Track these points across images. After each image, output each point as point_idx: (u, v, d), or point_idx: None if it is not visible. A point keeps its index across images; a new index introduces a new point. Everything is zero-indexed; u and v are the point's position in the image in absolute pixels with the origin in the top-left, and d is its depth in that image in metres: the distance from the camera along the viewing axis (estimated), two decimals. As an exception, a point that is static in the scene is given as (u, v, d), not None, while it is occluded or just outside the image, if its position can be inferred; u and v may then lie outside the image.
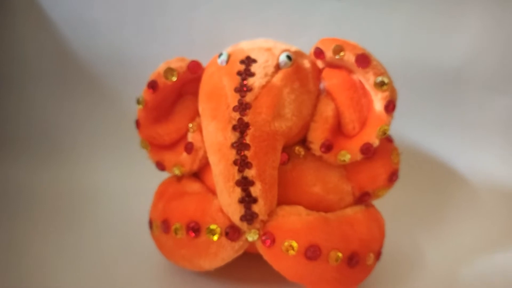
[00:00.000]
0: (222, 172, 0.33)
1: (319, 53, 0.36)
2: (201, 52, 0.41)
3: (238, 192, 0.33)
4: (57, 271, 0.40)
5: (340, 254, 0.34)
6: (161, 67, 0.37)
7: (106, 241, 0.45)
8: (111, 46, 0.54)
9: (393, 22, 0.52)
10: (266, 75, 0.34)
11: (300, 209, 0.35)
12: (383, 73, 0.34)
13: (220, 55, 0.36)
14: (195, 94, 0.38)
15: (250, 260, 0.37)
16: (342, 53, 0.35)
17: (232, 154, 0.33)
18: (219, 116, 0.34)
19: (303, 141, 0.37)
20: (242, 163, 0.32)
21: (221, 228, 0.34)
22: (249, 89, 0.33)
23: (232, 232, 0.34)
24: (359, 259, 0.35)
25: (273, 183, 0.33)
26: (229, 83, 0.34)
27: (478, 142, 0.55)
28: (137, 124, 0.39)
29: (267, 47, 0.36)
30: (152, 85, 0.37)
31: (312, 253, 0.33)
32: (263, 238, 0.34)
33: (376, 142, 0.35)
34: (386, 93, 0.34)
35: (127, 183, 0.55)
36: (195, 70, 0.38)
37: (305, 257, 0.33)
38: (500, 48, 0.52)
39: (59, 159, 0.58)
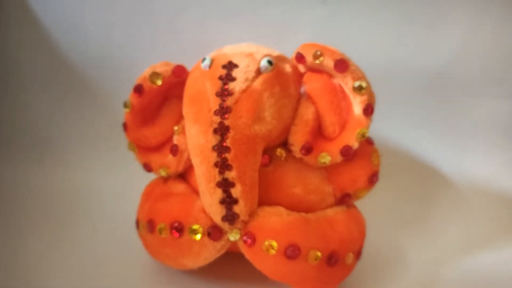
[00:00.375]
0: (203, 173, 0.34)
1: (300, 58, 0.37)
2: (189, 56, 0.42)
3: (219, 193, 0.34)
4: (49, 270, 0.41)
5: (319, 254, 0.34)
6: (147, 71, 0.38)
7: (97, 240, 0.46)
8: (101, 50, 0.55)
9: (378, 26, 0.53)
10: (246, 79, 0.35)
11: (281, 209, 0.36)
12: (361, 77, 0.35)
13: (203, 60, 0.37)
14: (180, 97, 0.39)
15: (233, 259, 0.38)
16: (321, 58, 0.35)
17: (213, 157, 0.33)
18: (201, 119, 0.34)
19: (285, 144, 0.37)
20: (222, 165, 0.33)
21: (203, 228, 0.35)
22: (230, 94, 0.34)
23: (214, 232, 0.35)
24: (338, 258, 0.36)
25: (254, 185, 0.34)
26: (211, 87, 0.35)
27: (462, 143, 0.56)
28: (124, 127, 0.40)
29: (249, 52, 0.37)
30: (138, 89, 0.38)
31: (291, 252, 0.34)
32: (244, 238, 0.34)
33: (355, 145, 0.36)
34: (365, 97, 0.35)
35: (117, 183, 0.55)
36: (179, 74, 0.38)
37: (285, 256, 0.34)
38: (483, 52, 0.53)
39: (51, 160, 0.59)
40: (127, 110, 0.39)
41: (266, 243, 0.34)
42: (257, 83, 0.35)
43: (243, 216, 0.34)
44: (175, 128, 0.39)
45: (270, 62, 0.36)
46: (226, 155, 0.33)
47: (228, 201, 0.34)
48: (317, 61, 0.36)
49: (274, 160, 0.37)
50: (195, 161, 0.35)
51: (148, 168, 0.41)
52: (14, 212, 0.50)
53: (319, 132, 0.37)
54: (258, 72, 0.36)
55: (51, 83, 0.58)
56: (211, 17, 0.53)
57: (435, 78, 0.54)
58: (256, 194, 0.35)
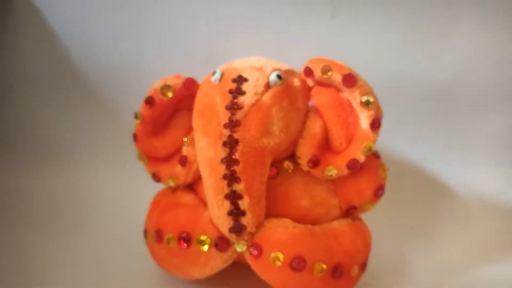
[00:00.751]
0: (212, 185, 0.35)
1: (308, 72, 0.38)
2: (198, 68, 0.42)
3: (227, 205, 0.34)
4: (56, 276, 0.41)
5: (324, 266, 0.35)
6: (158, 83, 0.39)
7: (103, 247, 0.46)
8: (110, 60, 0.56)
9: (384, 40, 0.53)
10: (256, 93, 0.36)
11: (287, 221, 0.36)
12: (369, 92, 0.36)
13: (213, 73, 0.38)
14: (190, 109, 0.39)
15: (240, 269, 0.38)
16: (330, 73, 0.36)
17: (222, 169, 0.34)
18: (211, 132, 0.35)
19: (292, 156, 0.38)
20: (231, 178, 0.34)
21: (211, 239, 0.35)
22: (239, 107, 0.35)
23: (221, 243, 0.35)
24: (344, 270, 0.36)
25: (261, 197, 0.35)
26: (221, 100, 0.36)
27: (466, 156, 0.56)
28: (135, 137, 0.41)
29: (259, 66, 0.38)
30: (149, 101, 0.39)
31: (297, 264, 0.34)
32: (251, 249, 0.35)
33: (362, 158, 0.36)
34: (372, 112, 0.35)
35: (123, 191, 0.56)
36: (190, 87, 0.39)
37: (290, 268, 0.34)
38: (490, 66, 0.53)
39: (58, 168, 0.59)
40: (138, 121, 0.40)
41: (273, 254, 0.35)
42: (266, 97, 0.36)
43: (250, 228, 0.35)
44: (185, 139, 0.40)
45: (279, 77, 0.37)
46: (235, 167, 0.34)
47: (236, 213, 0.34)
48: (325, 76, 0.36)
49: (282, 173, 0.37)
50: (204, 173, 0.36)
51: (157, 178, 0.41)
52: (20, 217, 0.51)
53: (326, 145, 0.38)
54: (268, 86, 0.36)
55: (60, 92, 0.59)
56: (221, 31, 0.54)
57: (442, 92, 0.54)
58: (263, 206, 0.35)
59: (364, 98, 0.35)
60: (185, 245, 0.36)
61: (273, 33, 0.54)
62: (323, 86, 0.38)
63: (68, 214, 0.53)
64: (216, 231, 0.35)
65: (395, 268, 0.45)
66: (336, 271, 0.36)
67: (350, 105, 0.37)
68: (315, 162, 0.37)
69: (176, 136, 0.40)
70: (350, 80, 0.35)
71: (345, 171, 0.37)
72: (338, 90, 0.37)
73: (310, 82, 0.39)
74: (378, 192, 0.39)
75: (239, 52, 0.43)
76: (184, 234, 0.36)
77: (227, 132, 0.34)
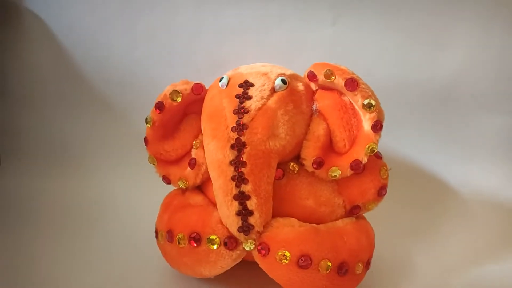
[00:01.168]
0: (221, 187, 0.36)
1: (312, 76, 0.39)
2: (205, 74, 0.44)
3: (235, 205, 0.36)
4: (66, 279, 0.42)
5: (330, 263, 0.36)
6: (167, 89, 0.40)
7: (115, 248, 0.47)
8: (120, 67, 0.58)
9: (384, 43, 0.55)
10: (262, 98, 0.37)
11: (294, 221, 0.37)
12: (370, 95, 0.37)
13: (221, 78, 0.40)
14: (198, 113, 0.41)
15: (248, 268, 0.39)
16: (332, 77, 0.37)
17: (230, 171, 0.36)
18: (219, 135, 0.37)
19: (297, 158, 0.39)
20: (239, 179, 0.35)
21: (220, 238, 0.37)
22: (246, 111, 0.36)
23: (230, 242, 0.36)
24: (349, 268, 0.37)
25: (268, 197, 0.36)
26: (228, 105, 0.37)
27: (467, 156, 0.57)
28: (146, 141, 0.42)
29: (264, 72, 0.39)
30: (159, 106, 0.40)
31: (303, 262, 0.36)
32: (259, 248, 0.36)
33: (364, 159, 0.37)
34: (374, 114, 0.37)
35: (134, 193, 0.57)
36: (198, 92, 0.41)
37: (297, 266, 0.36)
38: (487, 67, 0.54)
39: (69, 171, 0.61)
40: (148, 125, 0.41)
41: (280, 253, 0.36)
42: (272, 101, 0.37)
43: (258, 227, 0.36)
44: (194, 142, 0.41)
45: (284, 81, 0.38)
46: (243, 169, 0.35)
47: (244, 213, 0.36)
48: (328, 80, 0.38)
49: (287, 174, 0.39)
50: (213, 175, 0.37)
51: (167, 180, 0.43)
52: (32, 219, 0.52)
53: (330, 147, 0.39)
54: (273, 90, 0.38)
55: (72, 100, 0.61)
56: (227, 38, 0.56)
57: (442, 93, 0.55)
58: (270, 206, 0.37)
59: (366, 101, 0.37)
60: (195, 244, 0.37)
61: (277, 40, 0.55)
62: (326, 90, 0.40)
63: (80, 216, 0.54)
64: (225, 231, 0.37)
65: (399, 266, 0.46)
66: (342, 269, 0.37)
67: (353, 108, 0.38)
68: (319, 163, 0.38)
69: (185, 140, 0.42)
70: (352, 83, 0.37)
71: (349, 172, 0.38)
72: (341, 93, 0.39)
73: (313, 86, 0.41)
74: (381, 191, 0.40)
75: (245, 58, 0.45)
76: (195, 234, 0.37)
77: (234, 135, 0.36)
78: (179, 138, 0.42)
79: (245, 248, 0.36)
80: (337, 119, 0.39)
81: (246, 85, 0.38)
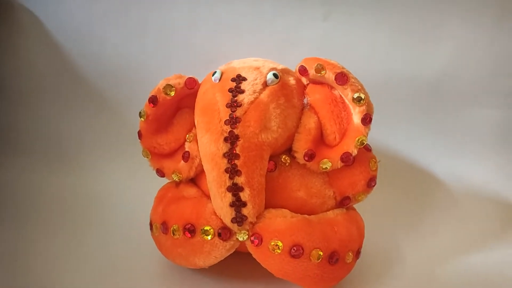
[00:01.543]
0: (215, 179, 0.37)
1: (303, 70, 0.40)
2: (198, 68, 0.44)
3: (229, 197, 0.36)
4: (64, 273, 0.43)
5: (321, 253, 0.37)
6: (161, 83, 0.41)
7: (110, 241, 0.48)
8: (114, 62, 0.58)
9: (375, 39, 0.56)
10: (254, 92, 0.38)
11: (286, 212, 0.38)
12: (360, 89, 0.38)
13: (214, 73, 0.40)
14: (191, 107, 0.42)
15: (242, 258, 0.40)
16: (323, 72, 0.38)
17: (224, 163, 0.36)
18: (212, 129, 0.37)
19: (289, 150, 0.40)
20: (232, 171, 0.36)
21: (214, 229, 0.38)
22: (239, 105, 0.37)
23: (224, 233, 0.37)
24: (339, 257, 0.38)
25: (261, 189, 0.37)
26: (222, 99, 0.38)
27: (455, 149, 0.58)
28: (139, 135, 0.43)
29: (256, 66, 0.40)
30: (153, 100, 0.41)
31: (295, 251, 0.37)
32: (252, 238, 0.37)
33: (354, 151, 0.38)
34: (363, 107, 0.38)
35: (129, 187, 0.58)
36: (191, 86, 0.41)
37: (289, 255, 0.37)
38: (475, 63, 0.56)
39: (65, 166, 0.61)
40: (142, 119, 0.42)
41: (272, 243, 0.37)
42: (264, 95, 0.38)
43: (251, 218, 0.37)
44: (187, 136, 0.42)
45: (275, 75, 0.39)
46: (236, 161, 0.36)
47: (237, 204, 0.36)
48: (319, 74, 0.38)
49: (279, 166, 0.39)
50: (207, 167, 0.38)
51: (161, 173, 0.43)
52: (28, 216, 0.53)
53: (321, 140, 0.40)
54: (265, 84, 0.39)
55: (68, 95, 0.61)
56: (220, 33, 0.56)
57: (431, 88, 0.57)
58: (263, 197, 0.37)
59: (356, 95, 0.37)
60: (189, 235, 0.38)
61: (269, 35, 0.56)
62: (317, 84, 0.41)
63: (76, 210, 0.54)
64: (219, 222, 0.38)
65: (388, 255, 0.48)
66: (332, 258, 0.38)
67: (343, 102, 0.39)
68: (310, 156, 0.39)
69: (179, 133, 0.42)
70: (342, 78, 0.38)
71: (339, 164, 0.39)
72: (331, 87, 0.40)
73: (304, 80, 0.41)
74: (370, 183, 0.41)
75: (238, 53, 0.45)
76: (189, 225, 0.38)
77: (228, 128, 0.37)
78: (172, 131, 0.43)
79: (239, 238, 0.37)
80: (328, 113, 0.39)
81: (239, 79, 0.39)
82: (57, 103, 0.61)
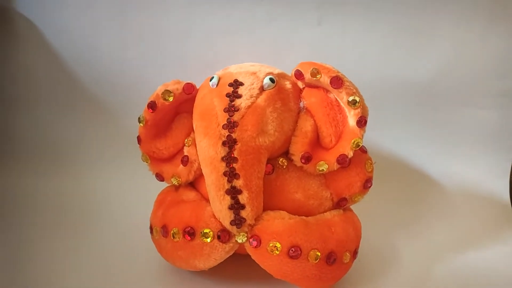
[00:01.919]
0: (213, 182, 0.37)
1: (299, 75, 0.41)
2: (196, 73, 0.45)
3: (227, 200, 0.37)
4: (63, 276, 0.43)
5: (319, 253, 0.38)
6: (159, 89, 0.42)
7: (109, 245, 0.48)
8: (112, 69, 0.59)
9: (369, 43, 0.56)
10: (251, 96, 0.39)
11: (284, 213, 0.39)
12: (355, 92, 0.39)
13: (211, 78, 0.41)
14: (190, 112, 0.42)
15: (241, 260, 0.41)
16: (318, 76, 0.39)
17: (222, 167, 0.37)
18: (211, 133, 0.38)
19: (286, 153, 0.41)
20: (231, 174, 0.37)
21: (213, 231, 0.38)
22: (237, 109, 0.38)
23: (223, 235, 0.38)
24: (337, 257, 0.39)
25: (259, 192, 0.38)
26: (219, 104, 0.39)
27: (449, 149, 0.59)
28: (138, 140, 0.43)
29: (253, 71, 0.41)
30: (152, 105, 0.41)
31: (294, 252, 0.37)
32: (251, 240, 0.38)
33: (350, 153, 0.39)
34: (358, 110, 0.38)
35: (128, 192, 0.58)
36: (189, 91, 0.42)
37: (288, 257, 0.37)
38: (467, 64, 0.57)
39: (64, 170, 0.61)
40: (141, 124, 0.42)
41: (271, 244, 0.37)
42: (261, 100, 0.39)
43: (249, 220, 0.37)
44: (186, 140, 0.42)
45: (272, 80, 0.40)
46: (234, 165, 0.37)
47: (236, 207, 0.37)
48: (314, 78, 0.39)
49: (277, 169, 0.40)
50: (206, 171, 0.38)
51: (160, 178, 0.44)
52: (26, 220, 0.53)
53: (317, 142, 0.41)
54: (262, 89, 0.39)
55: (66, 100, 0.61)
56: (217, 39, 0.57)
57: (424, 90, 0.58)
58: (261, 200, 0.38)
59: (351, 98, 0.38)
60: (189, 238, 0.39)
61: (265, 40, 0.57)
62: (313, 88, 0.41)
63: (75, 214, 0.55)
64: (218, 225, 0.38)
65: (385, 255, 0.48)
66: (330, 258, 0.38)
67: (338, 105, 0.40)
68: (307, 158, 0.40)
69: (177, 138, 0.43)
70: (337, 81, 0.38)
71: (336, 166, 0.39)
72: (327, 91, 0.40)
73: (300, 84, 0.42)
74: (367, 184, 0.42)
75: (234, 58, 0.46)
76: (189, 228, 0.39)
77: (226, 132, 0.37)
78: (171, 136, 0.43)
79: (238, 240, 0.38)
80: (324, 116, 0.40)
81: (236, 84, 0.39)
82: (54, 109, 0.62)
